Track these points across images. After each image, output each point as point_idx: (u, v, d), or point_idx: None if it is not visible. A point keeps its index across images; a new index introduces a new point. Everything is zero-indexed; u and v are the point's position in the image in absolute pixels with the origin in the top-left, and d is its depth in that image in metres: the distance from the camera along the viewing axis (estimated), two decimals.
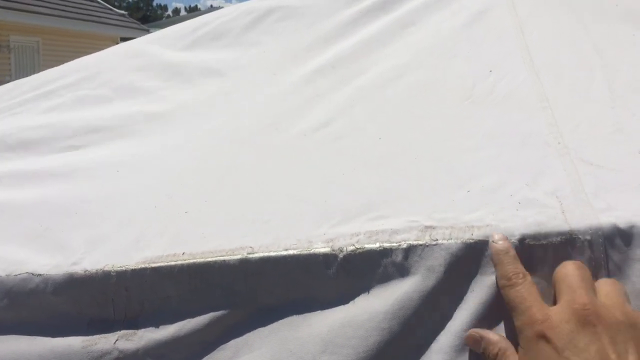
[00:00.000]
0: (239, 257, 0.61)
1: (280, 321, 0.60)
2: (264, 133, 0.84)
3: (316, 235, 0.62)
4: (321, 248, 0.61)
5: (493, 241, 0.56)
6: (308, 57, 1.01)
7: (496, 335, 0.53)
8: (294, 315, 0.60)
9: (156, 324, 0.62)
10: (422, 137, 0.75)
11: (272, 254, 0.61)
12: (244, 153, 0.81)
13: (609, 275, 0.56)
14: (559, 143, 0.68)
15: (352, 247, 0.60)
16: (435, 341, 0.57)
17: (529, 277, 0.53)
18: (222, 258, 0.62)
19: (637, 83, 0.75)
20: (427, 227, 0.60)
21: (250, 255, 0.61)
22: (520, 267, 0.53)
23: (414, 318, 0.57)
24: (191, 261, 0.62)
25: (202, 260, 0.62)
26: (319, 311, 0.60)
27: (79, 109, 1.06)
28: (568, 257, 0.56)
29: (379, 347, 0.56)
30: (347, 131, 0.80)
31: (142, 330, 0.62)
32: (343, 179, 0.71)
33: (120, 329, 0.62)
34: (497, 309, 0.56)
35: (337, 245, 0.61)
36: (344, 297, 0.60)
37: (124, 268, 0.63)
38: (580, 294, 0.49)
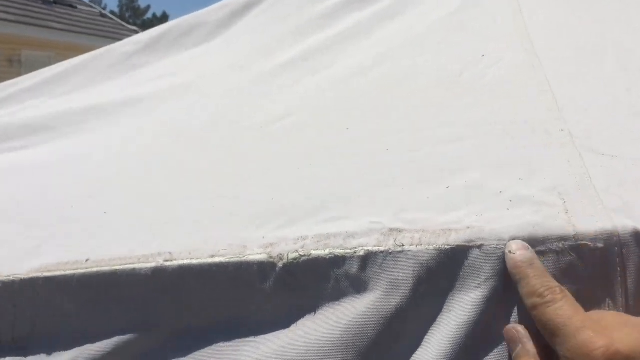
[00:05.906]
0: (152, 265, 0.48)
1: (202, 350, 0.47)
2: (215, 127, 0.72)
3: (253, 239, 0.49)
4: (256, 255, 0.47)
5: (510, 252, 0.42)
6: (279, 50, 0.89)
7: (533, 347, 0.41)
8: (221, 343, 0.47)
9: (48, 350, 0.49)
10: (395, 127, 0.63)
11: (195, 261, 0.48)
12: (187, 149, 0.68)
13: (627, 295, 0.42)
14: (561, 130, 0.55)
15: (295, 255, 0.47)
16: None
17: (566, 291, 0.41)
18: (131, 266, 0.49)
19: None
20: (391, 230, 0.47)
21: (168, 263, 0.48)
22: (552, 281, 0.41)
23: (372, 348, 0.43)
24: (94, 269, 0.49)
25: (107, 268, 0.49)
26: (252, 337, 0.46)
27: (29, 111, 0.95)
28: (573, 270, 0.42)
29: None
30: (310, 122, 0.68)
31: (31, 357, 0.49)
32: (297, 174, 0.58)
33: (5, 355, 0.49)
34: (484, 335, 0.43)
35: (277, 251, 0.47)
36: (282, 320, 0.46)
37: (11, 278, 0.50)
38: None
